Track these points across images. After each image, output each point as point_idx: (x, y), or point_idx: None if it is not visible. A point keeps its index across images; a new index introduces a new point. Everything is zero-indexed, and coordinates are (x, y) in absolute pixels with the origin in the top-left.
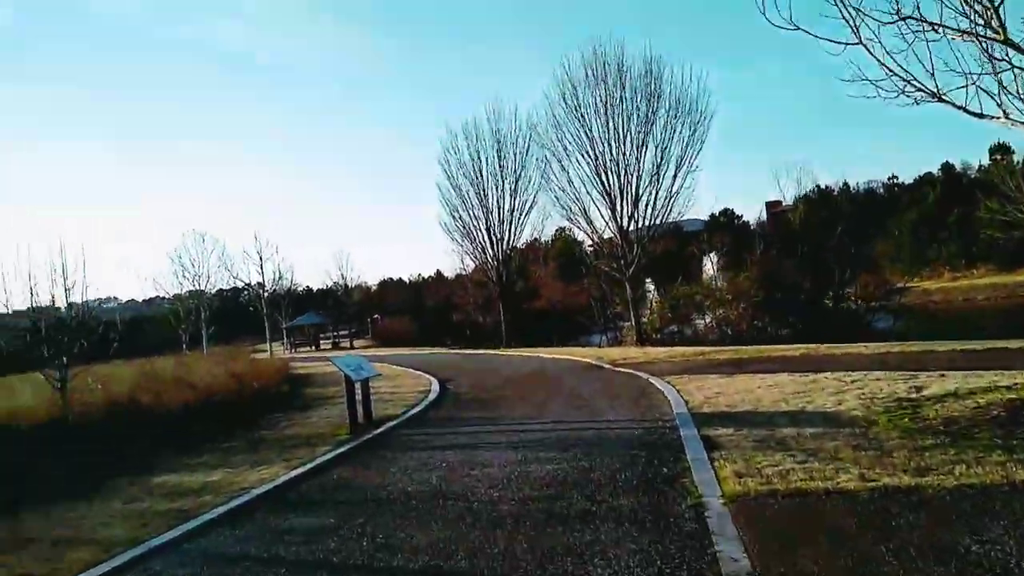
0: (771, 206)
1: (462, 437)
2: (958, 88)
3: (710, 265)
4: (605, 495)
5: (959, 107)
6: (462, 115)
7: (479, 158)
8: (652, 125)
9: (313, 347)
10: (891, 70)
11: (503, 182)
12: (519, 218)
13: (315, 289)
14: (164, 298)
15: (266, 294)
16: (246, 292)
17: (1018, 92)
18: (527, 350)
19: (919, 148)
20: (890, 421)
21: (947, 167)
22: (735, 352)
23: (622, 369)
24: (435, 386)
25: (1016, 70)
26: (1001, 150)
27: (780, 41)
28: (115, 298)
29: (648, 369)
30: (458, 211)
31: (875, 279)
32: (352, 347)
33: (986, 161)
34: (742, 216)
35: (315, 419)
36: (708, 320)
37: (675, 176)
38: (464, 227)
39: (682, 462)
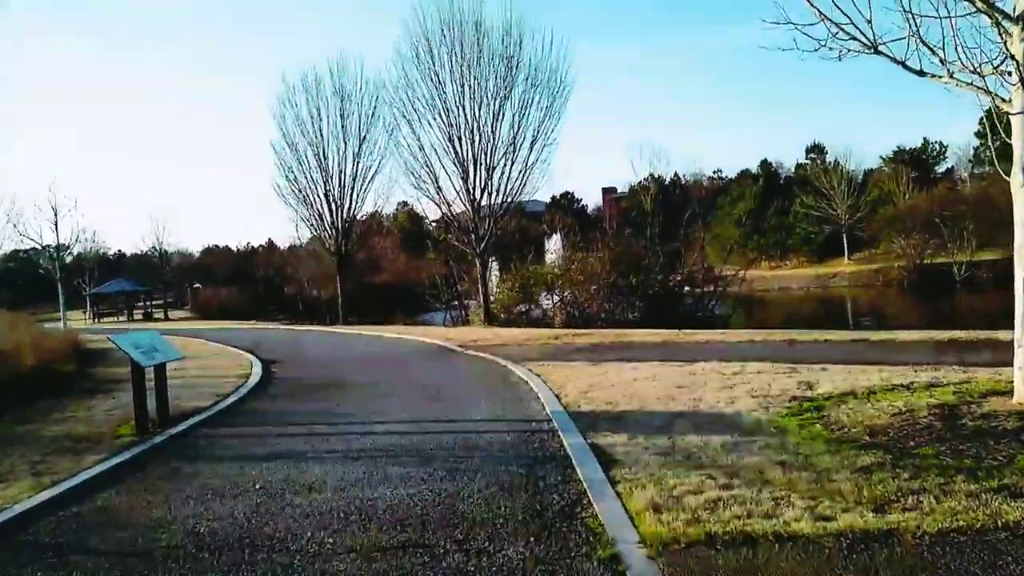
0: (607, 192)
1: (287, 441)
2: (896, 40)
3: (554, 246)
4: (483, 541)
5: (898, 61)
6: (301, 66)
7: (319, 116)
8: (510, 91)
9: (121, 317)
10: (824, 14)
11: (346, 145)
12: (362, 184)
13: (128, 254)
14: None
15: (61, 256)
16: (39, 253)
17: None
18: (368, 328)
19: (740, 146)
20: (801, 428)
21: (765, 164)
22: (591, 336)
23: (476, 353)
24: (257, 368)
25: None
26: (816, 150)
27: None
28: None
29: (504, 353)
30: (294, 172)
31: (704, 267)
32: (167, 319)
33: (803, 159)
34: (582, 200)
35: (100, 410)
36: (555, 301)
37: (531, 148)
38: (300, 191)
39: (575, 483)
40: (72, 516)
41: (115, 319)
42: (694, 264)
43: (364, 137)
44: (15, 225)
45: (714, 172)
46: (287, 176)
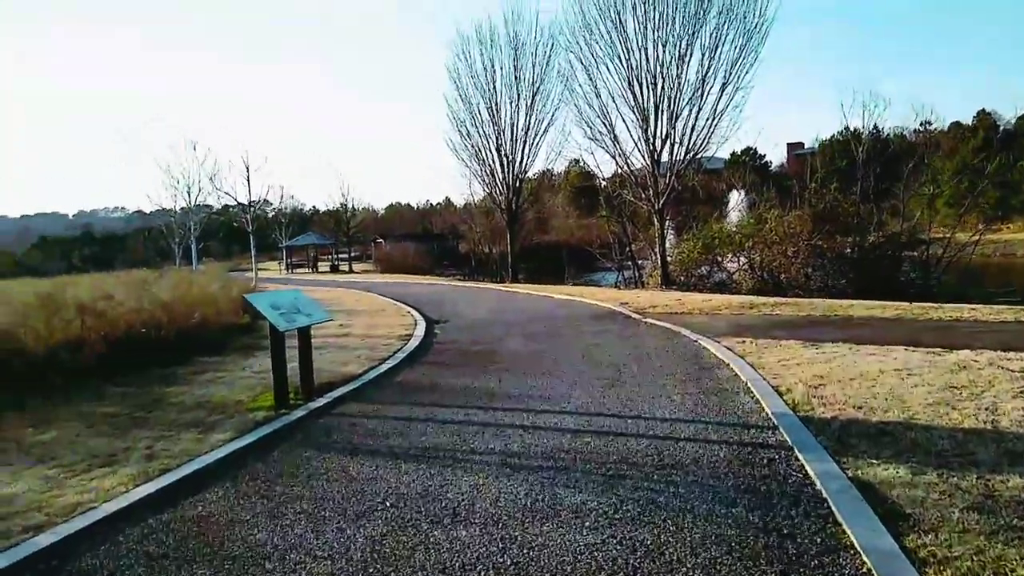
0: (792, 147)
1: (434, 431)
2: None
3: (736, 204)
4: None
5: None
6: (477, 17)
7: (493, 67)
8: (700, 28)
9: (311, 268)
10: None
11: (518, 97)
12: (534, 138)
13: (321, 210)
14: (166, 210)
15: (253, 210)
16: (236, 208)
17: None
18: (536, 287)
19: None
20: None
21: (982, 114)
22: (795, 306)
23: (656, 322)
24: (419, 329)
25: None
26: None
27: None
28: (122, 208)
29: (690, 324)
30: (466, 127)
31: (929, 228)
32: (351, 271)
33: None
34: (764, 156)
35: (250, 371)
36: (742, 264)
37: (721, 92)
38: (473, 146)
39: (848, 554)
40: (161, 527)
41: (305, 270)
42: (916, 225)
43: (537, 88)
44: (212, 180)
45: (921, 124)
46: (460, 131)
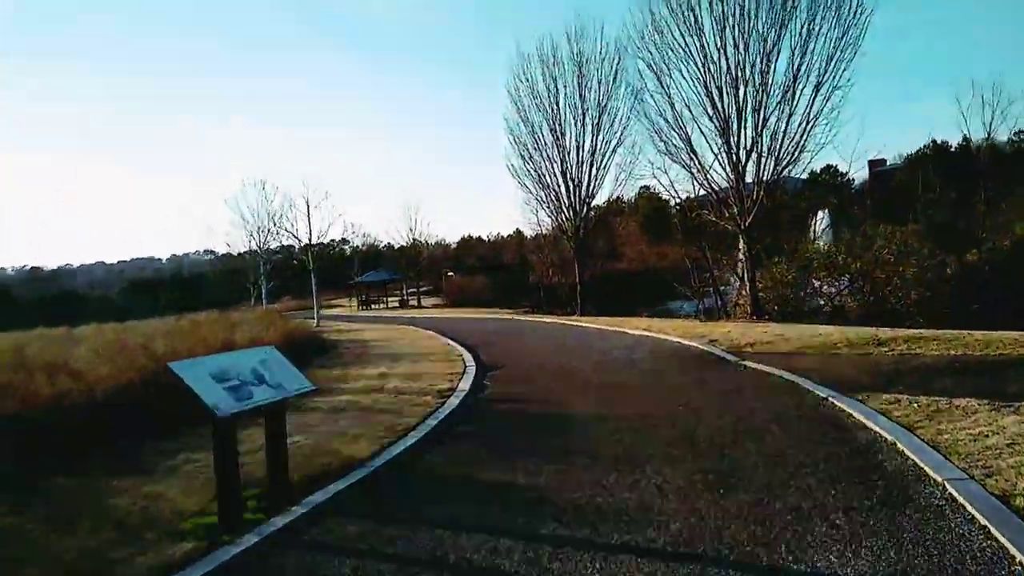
0: (874, 164)
1: None
2: None
3: (821, 225)
4: None
5: None
6: (537, 34)
7: (556, 87)
8: (788, 21)
9: (379, 304)
10: None
11: (584, 116)
12: (601, 160)
13: (395, 246)
14: (241, 253)
15: (314, 248)
16: (300, 247)
17: None
18: (607, 320)
19: None
20: None
21: None
22: (941, 342)
23: (760, 367)
24: (466, 381)
25: None
26: None
27: None
28: (211, 251)
29: (804, 368)
30: (528, 150)
31: None
32: (419, 306)
33: None
34: (847, 174)
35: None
36: (841, 289)
37: (816, 92)
38: (536, 170)
39: None
40: None
41: (376, 306)
42: None
43: (604, 106)
44: (274, 220)
45: (1015, 133)
46: (521, 154)
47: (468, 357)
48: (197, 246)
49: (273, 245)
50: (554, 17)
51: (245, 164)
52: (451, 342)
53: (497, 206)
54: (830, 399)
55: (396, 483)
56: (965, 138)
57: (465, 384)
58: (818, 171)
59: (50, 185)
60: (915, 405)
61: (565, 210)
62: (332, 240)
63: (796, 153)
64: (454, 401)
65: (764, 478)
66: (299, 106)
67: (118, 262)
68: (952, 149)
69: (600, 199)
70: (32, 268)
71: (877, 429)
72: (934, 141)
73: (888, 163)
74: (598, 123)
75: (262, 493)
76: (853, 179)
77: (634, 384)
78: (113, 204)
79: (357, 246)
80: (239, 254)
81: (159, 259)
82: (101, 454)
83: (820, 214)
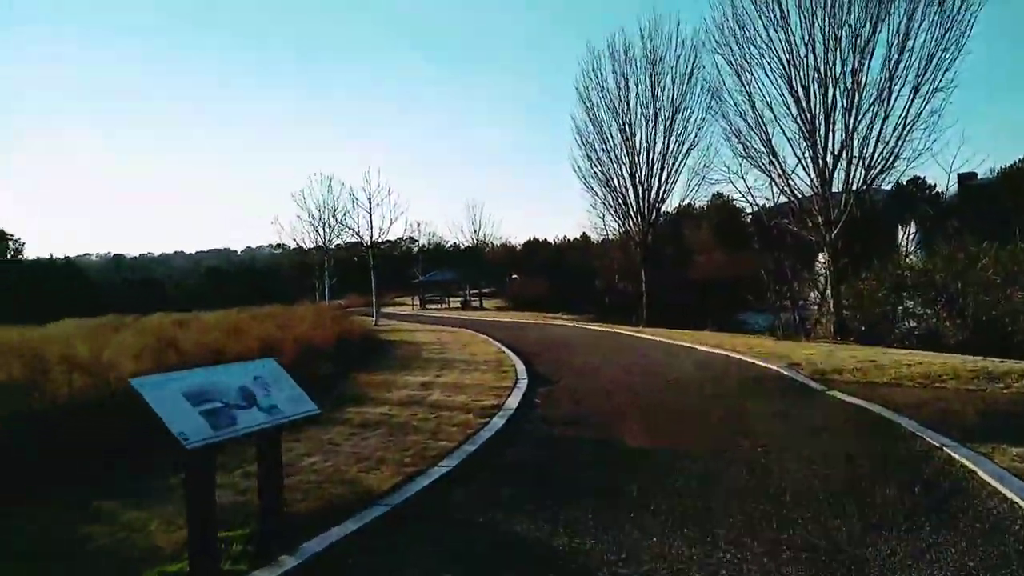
0: (964, 178)
1: None
2: None
3: (909, 239)
4: None
5: None
6: (609, 32)
7: (627, 86)
8: (886, 13)
9: (441, 305)
10: None
11: (656, 116)
12: (674, 162)
13: (463, 246)
14: (309, 249)
15: (375, 245)
16: (362, 244)
17: None
18: (675, 333)
19: None
20: None
21: None
22: None
23: (851, 399)
24: (514, 398)
25: None
26: None
27: None
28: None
29: (906, 405)
30: (596, 151)
31: None
32: (482, 307)
33: None
34: (935, 186)
35: (235, 478)
36: (937, 311)
37: (914, 94)
38: (603, 172)
39: None
40: None
41: (438, 306)
42: None
43: (678, 106)
44: (336, 216)
45: None
46: (589, 155)
47: (521, 368)
48: (267, 240)
49: (339, 241)
50: (628, 12)
51: (312, 159)
52: (506, 349)
53: (566, 209)
54: (945, 448)
55: (410, 531)
56: None
57: (513, 401)
58: (904, 183)
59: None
60: None
61: (633, 215)
62: (399, 238)
63: (891, 160)
64: (498, 422)
65: (871, 562)
66: (366, 105)
67: (196, 252)
68: None
69: (671, 204)
70: (115, 255)
71: (1014, 498)
72: None
73: (979, 176)
74: (671, 123)
75: (253, 532)
76: (942, 192)
77: (703, 413)
78: (195, 195)
79: (424, 245)
80: (307, 249)
81: (235, 251)
82: (100, 469)
83: (910, 227)
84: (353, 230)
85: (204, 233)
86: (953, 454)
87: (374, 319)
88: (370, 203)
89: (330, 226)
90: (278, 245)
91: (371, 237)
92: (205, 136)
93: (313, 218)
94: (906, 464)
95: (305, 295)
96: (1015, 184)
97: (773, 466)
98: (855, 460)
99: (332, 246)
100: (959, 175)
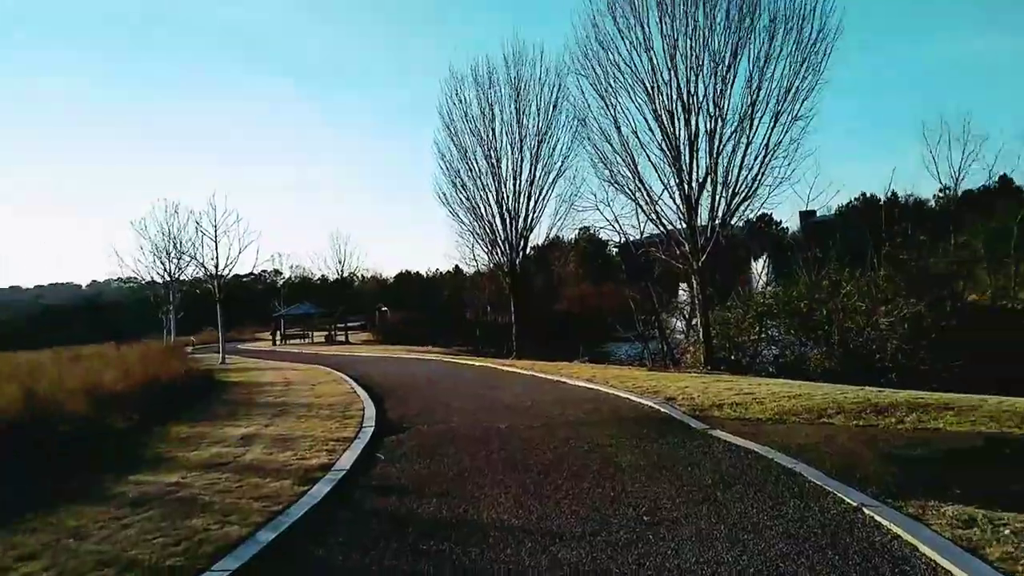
0: (805, 216)
1: None
2: None
3: (761, 272)
4: None
5: None
6: (472, 56)
7: (491, 113)
8: (747, 41)
9: (304, 339)
10: None
11: (522, 144)
12: (540, 191)
13: (331, 279)
14: (153, 282)
15: (220, 277)
16: (206, 276)
17: None
18: (545, 365)
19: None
20: None
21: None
22: (962, 412)
23: (737, 441)
24: (353, 455)
25: None
26: None
27: None
28: (132, 279)
29: (798, 447)
30: (460, 177)
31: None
32: (347, 341)
33: None
34: (781, 222)
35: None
36: (801, 338)
37: (775, 121)
38: (469, 199)
39: None
40: None
41: (300, 341)
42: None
43: (544, 135)
44: (176, 245)
45: (940, 189)
46: (454, 181)
47: (370, 412)
48: (114, 273)
49: (188, 273)
50: (490, 35)
51: (158, 189)
52: (359, 388)
53: (438, 242)
54: (865, 509)
55: None
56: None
57: (348, 459)
58: (754, 219)
59: None
60: (1007, 530)
61: (500, 243)
62: (263, 271)
63: (754, 187)
64: (321, 490)
65: None
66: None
67: (35, 286)
68: (881, 202)
69: (539, 233)
70: None
71: None
72: (863, 194)
73: (817, 215)
74: (537, 151)
75: None
76: (787, 228)
77: (578, 472)
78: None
79: (289, 278)
80: (150, 282)
81: (79, 285)
82: None
83: (763, 259)
84: (199, 260)
85: (42, 267)
86: (878, 518)
87: (220, 357)
88: (215, 230)
89: (175, 257)
90: (127, 279)
91: (216, 268)
92: (45, 157)
93: (157, 248)
94: (829, 536)
95: (153, 332)
96: (848, 220)
97: (667, 548)
98: (766, 535)
99: (179, 278)
100: (800, 212)
